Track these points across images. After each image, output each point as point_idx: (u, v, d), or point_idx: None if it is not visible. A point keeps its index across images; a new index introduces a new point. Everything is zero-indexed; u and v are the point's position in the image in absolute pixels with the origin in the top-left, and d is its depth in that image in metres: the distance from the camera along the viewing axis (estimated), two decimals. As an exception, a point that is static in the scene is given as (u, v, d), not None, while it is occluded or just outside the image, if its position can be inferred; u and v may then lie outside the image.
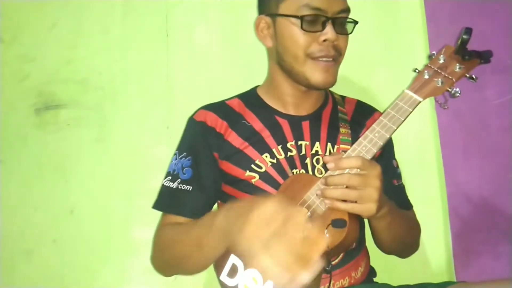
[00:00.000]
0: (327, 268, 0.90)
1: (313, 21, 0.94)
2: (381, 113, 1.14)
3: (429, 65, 0.91)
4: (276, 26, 0.99)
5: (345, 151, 1.02)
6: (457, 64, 0.87)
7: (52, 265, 1.28)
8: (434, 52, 0.91)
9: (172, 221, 0.99)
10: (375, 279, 1.08)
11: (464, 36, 0.84)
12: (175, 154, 1.05)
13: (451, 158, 1.28)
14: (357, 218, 0.89)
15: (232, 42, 1.35)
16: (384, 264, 1.14)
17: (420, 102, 0.88)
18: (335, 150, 1.03)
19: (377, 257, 1.11)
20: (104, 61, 1.34)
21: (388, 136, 0.87)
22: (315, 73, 0.96)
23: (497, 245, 1.25)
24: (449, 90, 0.87)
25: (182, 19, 1.35)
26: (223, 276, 0.88)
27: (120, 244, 1.29)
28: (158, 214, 1.06)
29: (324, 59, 0.95)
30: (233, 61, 1.35)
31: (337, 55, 0.96)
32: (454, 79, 0.87)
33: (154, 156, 1.30)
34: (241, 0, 1.34)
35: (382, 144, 0.87)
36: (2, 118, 1.33)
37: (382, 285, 1.02)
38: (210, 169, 1.01)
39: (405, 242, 1.07)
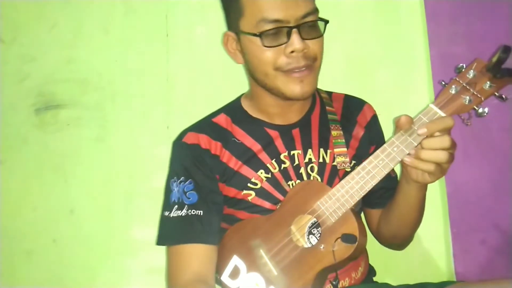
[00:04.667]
0: (334, 283, 0.90)
1: (275, 35, 0.87)
2: (370, 106, 1.12)
3: (457, 79, 0.84)
4: (241, 43, 0.94)
5: (339, 155, 1.01)
6: (488, 82, 0.81)
7: (52, 265, 1.29)
8: (463, 65, 0.85)
9: (190, 256, 0.93)
10: (374, 279, 1.08)
11: (502, 55, 0.77)
12: (172, 181, 0.99)
13: (451, 158, 1.28)
14: (365, 232, 0.89)
15: (232, 42, 1.35)
16: (384, 264, 1.14)
17: None
18: (328, 155, 1.01)
19: (376, 257, 1.11)
20: (104, 61, 1.34)
21: (407, 152, 0.83)
22: (289, 86, 0.90)
23: (497, 245, 1.25)
24: (476, 108, 0.82)
25: (182, 19, 1.35)
26: (225, 277, 0.88)
27: (120, 244, 1.29)
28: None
29: (296, 70, 0.89)
30: (232, 61, 1.34)
31: (310, 63, 0.90)
32: (483, 98, 0.82)
33: (154, 156, 1.30)
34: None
35: (400, 159, 0.83)
36: (2, 118, 1.33)
37: (382, 285, 1.02)
38: (215, 190, 0.98)
39: (416, 224, 1.03)
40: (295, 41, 0.87)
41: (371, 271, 1.08)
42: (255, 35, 0.88)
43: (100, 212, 1.30)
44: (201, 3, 1.35)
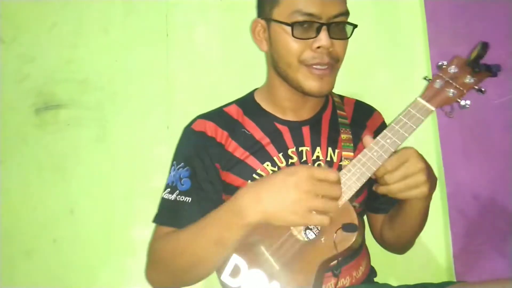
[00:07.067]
0: (336, 272, 0.90)
1: (305, 28, 0.90)
2: (380, 113, 1.15)
3: (440, 74, 0.90)
4: (270, 31, 0.96)
5: (346, 158, 1.01)
6: (468, 76, 0.88)
7: (52, 265, 1.29)
8: (444, 62, 0.91)
9: (165, 237, 0.96)
10: (375, 279, 1.08)
11: (481, 51, 0.84)
12: (172, 165, 1.03)
13: (451, 158, 1.28)
14: (363, 221, 0.88)
15: (232, 42, 1.35)
16: (385, 264, 1.14)
17: (432, 111, 0.88)
18: (336, 155, 1.02)
19: (377, 257, 1.11)
20: (104, 61, 1.34)
21: (400, 143, 0.86)
22: (309, 81, 0.93)
23: (497, 245, 1.25)
24: (459, 101, 0.87)
25: (182, 19, 1.35)
26: (225, 276, 0.87)
27: (120, 244, 1.29)
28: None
29: (318, 66, 0.92)
30: (233, 61, 1.35)
31: (333, 62, 0.93)
32: (465, 91, 0.87)
33: (154, 156, 1.30)
34: (241, 0, 1.34)
35: (393, 151, 0.86)
36: (2, 118, 1.33)
37: (382, 285, 1.03)
38: (211, 180, 0.99)
39: (418, 231, 1.03)
40: (323, 37, 0.90)
41: (372, 272, 1.08)
42: (287, 24, 0.91)
43: (100, 212, 1.30)
44: (201, 3, 1.35)
